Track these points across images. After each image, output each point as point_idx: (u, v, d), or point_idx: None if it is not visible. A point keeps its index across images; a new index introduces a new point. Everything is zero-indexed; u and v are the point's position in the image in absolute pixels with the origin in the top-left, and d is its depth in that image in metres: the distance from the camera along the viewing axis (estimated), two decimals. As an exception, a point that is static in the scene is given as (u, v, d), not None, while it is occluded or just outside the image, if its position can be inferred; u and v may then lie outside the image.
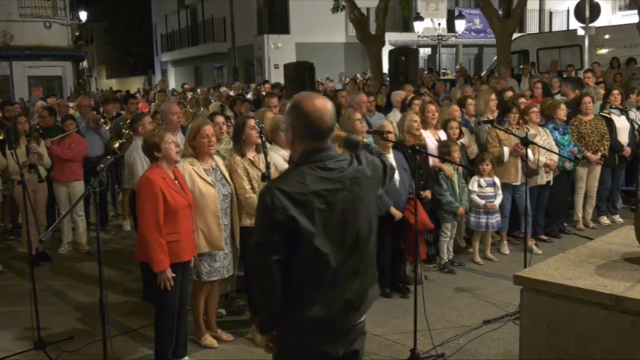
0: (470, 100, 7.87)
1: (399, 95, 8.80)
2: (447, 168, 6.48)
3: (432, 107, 6.83)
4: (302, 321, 2.50)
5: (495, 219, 6.69)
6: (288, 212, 2.37)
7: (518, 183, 6.88)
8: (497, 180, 6.74)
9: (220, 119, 5.94)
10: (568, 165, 7.28)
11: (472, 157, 7.01)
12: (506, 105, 7.06)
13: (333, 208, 2.46)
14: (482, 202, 6.61)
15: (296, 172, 2.46)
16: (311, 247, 2.42)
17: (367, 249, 2.61)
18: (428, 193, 6.21)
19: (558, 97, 9.57)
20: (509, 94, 8.55)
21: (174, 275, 4.21)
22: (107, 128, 8.65)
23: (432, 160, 6.47)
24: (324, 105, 2.48)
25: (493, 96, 7.63)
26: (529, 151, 6.37)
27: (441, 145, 6.54)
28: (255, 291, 2.59)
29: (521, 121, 7.03)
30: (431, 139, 6.64)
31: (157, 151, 4.25)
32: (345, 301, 2.54)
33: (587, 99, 7.77)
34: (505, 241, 7.13)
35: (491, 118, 7.20)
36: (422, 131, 6.57)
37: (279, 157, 5.53)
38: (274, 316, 2.52)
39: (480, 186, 6.69)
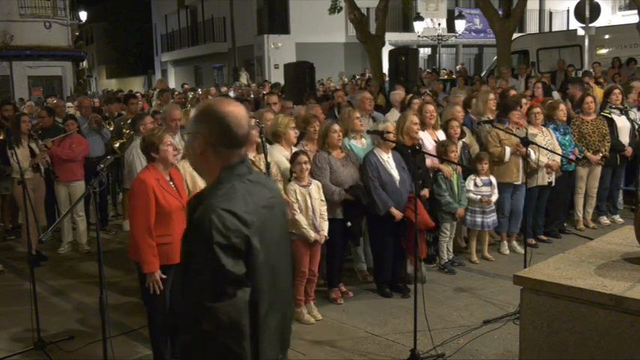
0: (475, 100, 7.88)
1: (398, 95, 8.80)
2: (446, 168, 6.48)
3: (431, 107, 6.83)
4: None
5: (491, 218, 6.68)
6: (244, 232, 2.02)
7: (520, 182, 6.88)
8: (493, 179, 6.74)
9: None
10: (572, 157, 7.22)
11: (474, 157, 7.01)
12: (509, 103, 7.05)
13: (268, 227, 2.16)
14: (478, 197, 6.61)
15: (229, 188, 2.10)
16: (260, 270, 2.08)
17: (289, 279, 2.35)
18: (426, 192, 6.20)
19: (554, 94, 9.58)
20: (513, 92, 8.55)
21: (164, 277, 4.21)
22: (110, 129, 8.66)
23: (430, 161, 6.47)
24: (239, 109, 2.20)
25: (492, 96, 7.64)
26: (531, 151, 6.37)
27: (439, 145, 6.54)
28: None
29: (521, 121, 7.03)
30: (429, 139, 6.63)
31: (154, 151, 4.25)
32: (284, 336, 2.27)
33: (589, 99, 7.77)
34: (505, 241, 7.13)
35: (491, 117, 7.20)
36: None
37: (282, 157, 5.55)
38: None
39: (476, 185, 6.68)
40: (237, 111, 2.18)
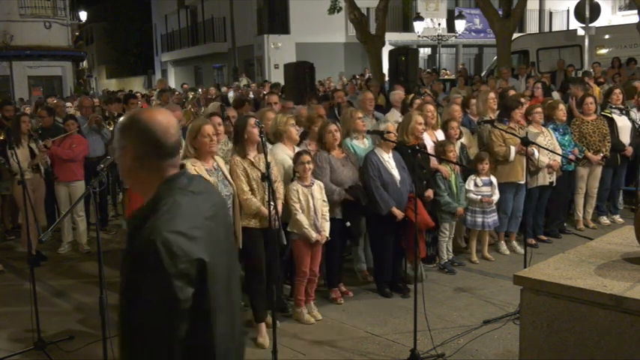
0: (473, 101, 7.88)
1: (398, 95, 8.80)
2: (445, 169, 6.48)
3: (431, 107, 6.83)
4: None
5: (492, 218, 6.68)
6: (193, 256, 1.86)
7: (524, 182, 6.86)
8: (493, 179, 6.74)
9: (217, 120, 5.88)
10: (572, 157, 7.22)
11: (473, 157, 7.00)
12: (511, 103, 7.05)
13: (215, 239, 2.03)
14: (479, 197, 6.60)
15: (172, 204, 1.93)
16: (214, 285, 1.95)
17: (239, 288, 2.25)
18: (430, 193, 6.20)
19: (554, 94, 9.58)
20: (512, 92, 8.56)
21: None
22: (110, 129, 8.65)
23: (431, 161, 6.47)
24: (167, 116, 2.06)
25: (492, 95, 7.64)
26: (535, 150, 6.36)
27: (437, 145, 6.54)
28: None
29: (521, 121, 7.03)
30: (428, 140, 6.63)
31: None
32: (240, 346, 2.19)
33: (589, 99, 7.79)
34: (502, 241, 7.12)
35: (492, 117, 7.19)
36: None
37: (286, 156, 5.54)
38: None
39: (476, 185, 6.68)
40: (163, 118, 2.03)
